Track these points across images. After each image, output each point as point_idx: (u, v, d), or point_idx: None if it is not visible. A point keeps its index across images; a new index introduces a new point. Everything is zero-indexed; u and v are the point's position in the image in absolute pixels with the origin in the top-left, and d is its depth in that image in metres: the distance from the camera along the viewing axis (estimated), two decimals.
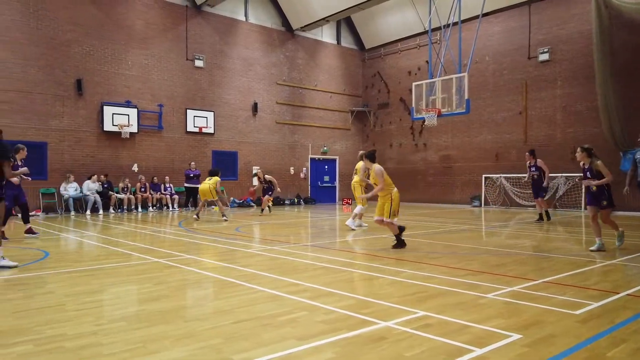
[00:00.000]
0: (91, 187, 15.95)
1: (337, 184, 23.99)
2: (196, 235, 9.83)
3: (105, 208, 16.31)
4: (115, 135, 17.02)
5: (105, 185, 16.45)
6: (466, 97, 13.98)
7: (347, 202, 22.44)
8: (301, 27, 21.85)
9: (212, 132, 19.50)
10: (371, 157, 8.10)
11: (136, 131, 17.39)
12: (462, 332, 3.53)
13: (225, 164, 19.90)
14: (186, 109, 18.86)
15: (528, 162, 12.55)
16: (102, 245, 8.29)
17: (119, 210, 16.60)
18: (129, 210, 16.72)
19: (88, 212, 15.78)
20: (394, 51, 23.17)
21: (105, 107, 16.71)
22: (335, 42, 23.93)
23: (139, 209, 16.92)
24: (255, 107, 20.75)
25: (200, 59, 19.18)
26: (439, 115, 14.67)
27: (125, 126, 17.00)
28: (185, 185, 17.87)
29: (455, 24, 15.20)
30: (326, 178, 23.71)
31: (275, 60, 21.58)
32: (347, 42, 24.37)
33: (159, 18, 18.23)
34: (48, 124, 15.76)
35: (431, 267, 6.08)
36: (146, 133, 17.85)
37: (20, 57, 15.22)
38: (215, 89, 19.71)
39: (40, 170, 15.51)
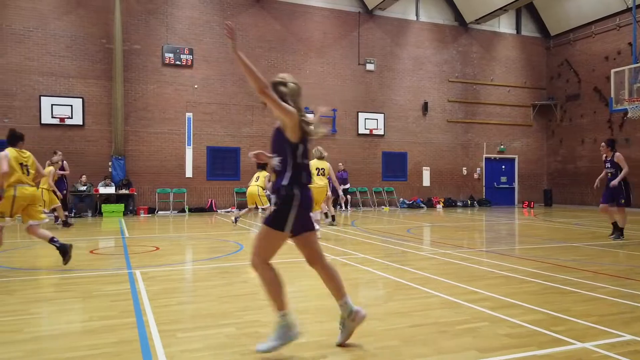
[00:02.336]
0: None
1: (516, 185, 22.17)
2: (368, 235, 10.07)
3: None
4: None
5: None
6: None
7: (527, 205, 20.57)
8: (476, 20, 20.76)
9: (382, 133, 19.78)
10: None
11: None
12: None
13: (395, 164, 20.05)
14: (357, 112, 19.49)
15: (604, 155, 9.23)
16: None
17: None
18: None
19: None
20: (587, 35, 20.45)
21: None
22: (514, 31, 22.15)
23: None
24: (425, 107, 20.41)
25: (372, 63, 19.63)
26: None
27: None
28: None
29: None
30: (503, 179, 22.08)
31: (447, 57, 20.92)
32: (528, 30, 22.35)
33: (334, 26, 19.21)
34: (240, 131, 17.88)
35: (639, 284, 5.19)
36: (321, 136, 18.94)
37: (220, 74, 17.58)
38: (385, 90, 19.97)
39: (235, 172, 17.69)
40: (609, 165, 9.06)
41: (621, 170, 8.88)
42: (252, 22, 18.00)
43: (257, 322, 3.82)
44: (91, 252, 7.76)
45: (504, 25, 21.96)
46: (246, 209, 12.19)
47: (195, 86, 17.26)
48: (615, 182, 8.80)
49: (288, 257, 7.13)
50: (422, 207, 19.66)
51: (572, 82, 21.18)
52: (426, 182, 20.63)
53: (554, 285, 5.18)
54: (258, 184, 11.13)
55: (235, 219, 11.76)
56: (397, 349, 3.23)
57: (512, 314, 4.01)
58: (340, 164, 18.50)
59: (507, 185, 22.09)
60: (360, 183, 19.50)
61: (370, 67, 19.60)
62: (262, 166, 11.23)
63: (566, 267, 6.22)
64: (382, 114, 19.79)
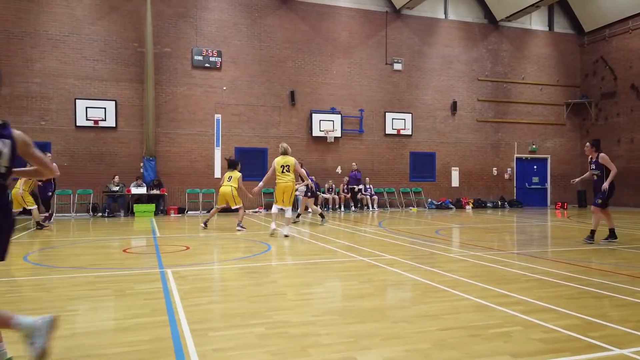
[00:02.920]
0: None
1: (548, 185, 21.63)
2: (396, 236, 10.00)
3: None
4: (321, 140, 18.51)
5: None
6: None
7: (560, 207, 20.03)
8: (506, 17, 20.36)
9: (410, 133, 19.61)
10: None
11: (339, 135, 18.61)
12: None
13: (423, 165, 19.87)
14: (385, 112, 19.38)
15: (589, 156, 8.87)
16: (312, 242, 9.08)
17: (325, 209, 17.97)
18: (333, 209, 17.97)
19: (298, 210, 17.47)
20: (623, 31, 19.80)
21: (313, 115, 18.32)
22: (546, 28, 21.64)
23: (342, 209, 18.05)
24: (454, 106, 20.14)
25: (399, 62, 19.48)
26: None
27: (330, 131, 18.35)
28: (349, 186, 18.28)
29: None
30: (535, 179, 21.58)
31: (476, 56, 20.59)
32: (560, 27, 21.79)
33: (361, 27, 19.16)
34: (268, 132, 18.02)
35: None
36: (348, 137, 18.94)
37: (248, 75, 17.76)
38: (413, 90, 19.79)
39: (262, 172, 17.77)
40: (594, 167, 8.74)
41: (607, 171, 8.56)
42: (279, 24, 18.12)
43: (286, 322, 3.84)
44: (124, 250, 7.96)
45: (536, 22, 21.46)
46: (214, 209, 11.91)
47: (224, 88, 17.48)
48: (605, 185, 8.52)
49: (314, 257, 7.15)
50: (451, 208, 19.38)
51: (608, 80, 20.52)
52: (455, 182, 20.35)
53: (589, 289, 5.03)
54: (231, 184, 10.98)
55: (205, 223, 11.43)
56: (427, 352, 3.20)
57: (546, 319, 3.92)
58: (354, 163, 18.35)
59: (539, 186, 21.58)
60: (387, 183, 19.39)
61: (397, 66, 19.46)
62: (233, 165, 11.25)
63: (602, 271, 6.03)
64: (410, 114, 19.62)
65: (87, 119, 15.92)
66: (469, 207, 19.63)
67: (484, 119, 20.69)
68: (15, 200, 10.88)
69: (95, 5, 16.18)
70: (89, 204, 15.85)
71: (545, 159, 21.58)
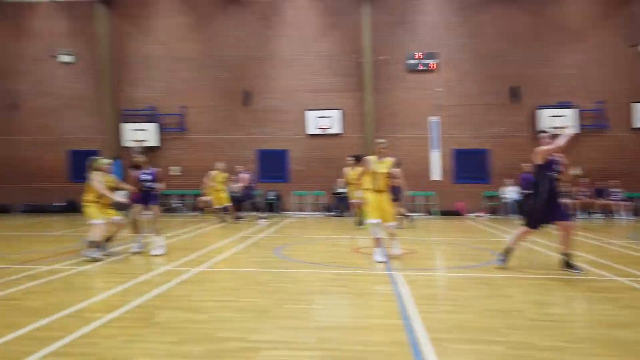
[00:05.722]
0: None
1: None
2: None
3: None
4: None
5: None
6: None
7: None
8: None
9: None
10: None
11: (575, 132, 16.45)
12: None
13: None
14: (630, 102, 16.40)
15: None
16: (549, 253, 8.19)
17: None
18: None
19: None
20: None
21: (539, 111, 16.64)
22: None
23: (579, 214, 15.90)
24: None
25: None
26: None
27: (564, 128, 16.37)
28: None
29: None
30: None
31: None
32: None
33: (595, 6, 16.76)
34: (486, 131, 17.09)
35: None
36: (587, 133, 16.60)
37: (462, 75, 17.25)
38: None
39: (483, 174, 17.04)
40: None
41: None
42: (494, 18, 17.13)
43: (529, 344, 3.55)
44: (354, 250, 8.53)
45: None
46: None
47: (439, 89, 17.30)
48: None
49: (553, 272, 6.42)
50: None
51: None
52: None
53: None
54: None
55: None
56: None
57: None
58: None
59: None
60: None
61: None
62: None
63: None
64: None
65: (316, 128, 17.71)
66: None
67: None
68: (217, 199, 13.75)
69: (319, 24, 17.90)
70: (322, 204, 17.61)
71: None
